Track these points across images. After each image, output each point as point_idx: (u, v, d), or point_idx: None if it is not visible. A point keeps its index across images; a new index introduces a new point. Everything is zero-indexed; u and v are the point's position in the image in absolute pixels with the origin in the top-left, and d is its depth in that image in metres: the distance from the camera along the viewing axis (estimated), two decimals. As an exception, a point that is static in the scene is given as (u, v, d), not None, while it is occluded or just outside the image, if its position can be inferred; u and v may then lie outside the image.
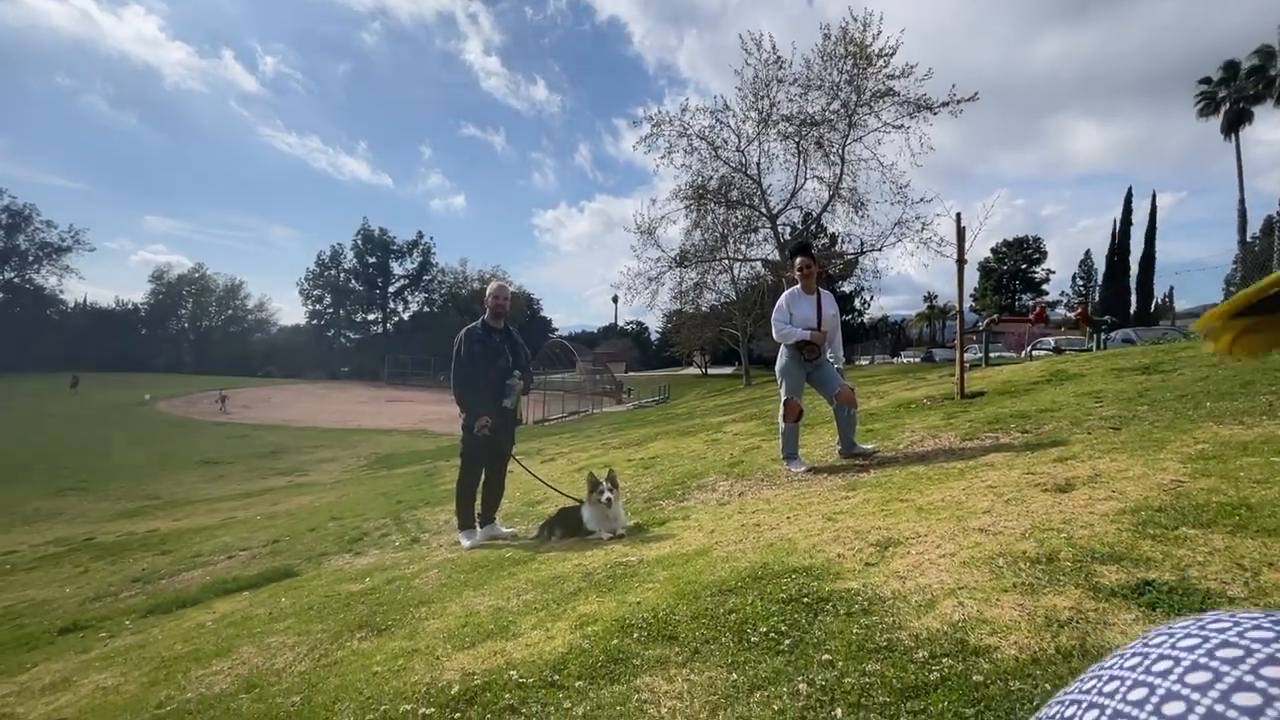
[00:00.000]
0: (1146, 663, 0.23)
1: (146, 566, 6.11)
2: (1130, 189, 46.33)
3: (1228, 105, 33.83)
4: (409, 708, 1.71)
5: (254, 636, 2.87)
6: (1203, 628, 0.23)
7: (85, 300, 67.65)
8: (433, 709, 1.68)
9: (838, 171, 19.83)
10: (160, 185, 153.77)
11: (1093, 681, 0.25)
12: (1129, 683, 0.22)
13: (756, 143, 20.62)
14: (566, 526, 3.94)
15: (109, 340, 62.15)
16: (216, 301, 74.35)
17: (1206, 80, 34.56)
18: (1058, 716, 0.24)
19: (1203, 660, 0.21)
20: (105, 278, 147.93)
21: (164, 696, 2.27)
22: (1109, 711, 0.21)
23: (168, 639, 3.22)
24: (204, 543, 6.94)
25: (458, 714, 1.63)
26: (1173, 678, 0.21)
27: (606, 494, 3.68)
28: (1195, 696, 0.19)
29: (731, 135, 20.73)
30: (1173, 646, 0.23)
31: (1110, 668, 0.25)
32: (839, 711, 1.33)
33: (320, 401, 38.17)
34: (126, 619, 4.05)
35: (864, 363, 40.90)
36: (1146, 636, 0.25)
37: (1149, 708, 0.20)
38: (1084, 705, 0.23)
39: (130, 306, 69.78)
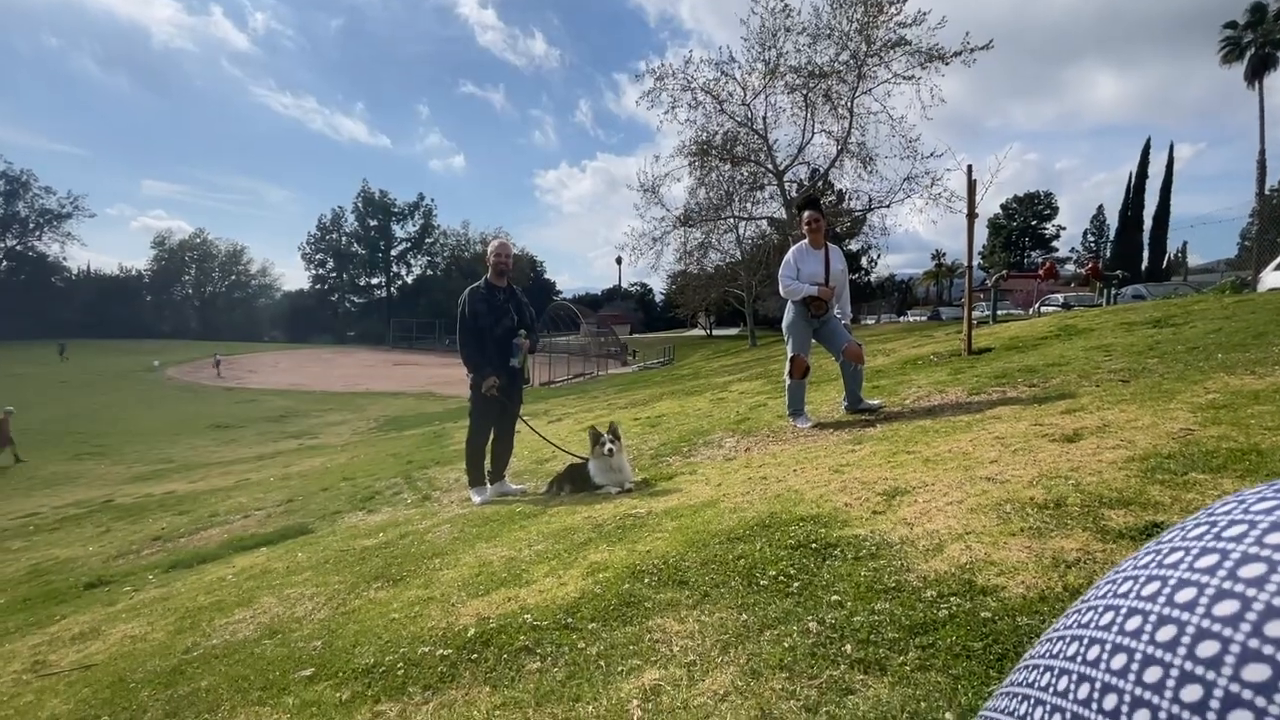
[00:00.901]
0: (1216, 529, 0.21)
1: (166, 526, 6.26)
2: (1148, 140, 44.89)
3: (1253, 50, 32.54)
4: (427, 649, 1.76)
5: (273, 588, 2.95)
6: (1279, 491, 0.21)
7: (89, 268, 67.74)
8: (450, 650, 1.72)
9: (846, 125, 19.35)
10: (156, 149, 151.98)
11: (1149, 556, 0.23)
12: (1195, 552, 0.21)
13: (763, 96, 20.08)
14: (575, 482, 3.99)
15: (115, 307, 62.46)
16: (219, 267, 74.28)
17: (1232, 24, 33.16)
18: (1109, 594, 0.23)
19: None
20: (107, 245, 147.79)
21: (190, 643, 2.35)
22: (1172, 581, 0.20)
23: (190, 591, 3.32)
24: (220, 503, 7.09)
25: (475, 655, 1.68)
26: (1249, 540, 0.20)
27: (609, 445, 3.72)
28: (1279, 557, 0.18)
29: (737, 88, 20.18)
30: (1245, 511, 0.21)
31: (1170, 541, 0.23)
32: (849, 648, 1.35)
33: (327, 366, 38.43)
34: (149, 574, 4.16)
35: (870, 321, 40.66)
36: (1212, 507, 0.23)
37: (1222, 573, 0.19)
38: (1142, 580, 0.22)
39: (134, 273, 69.89)
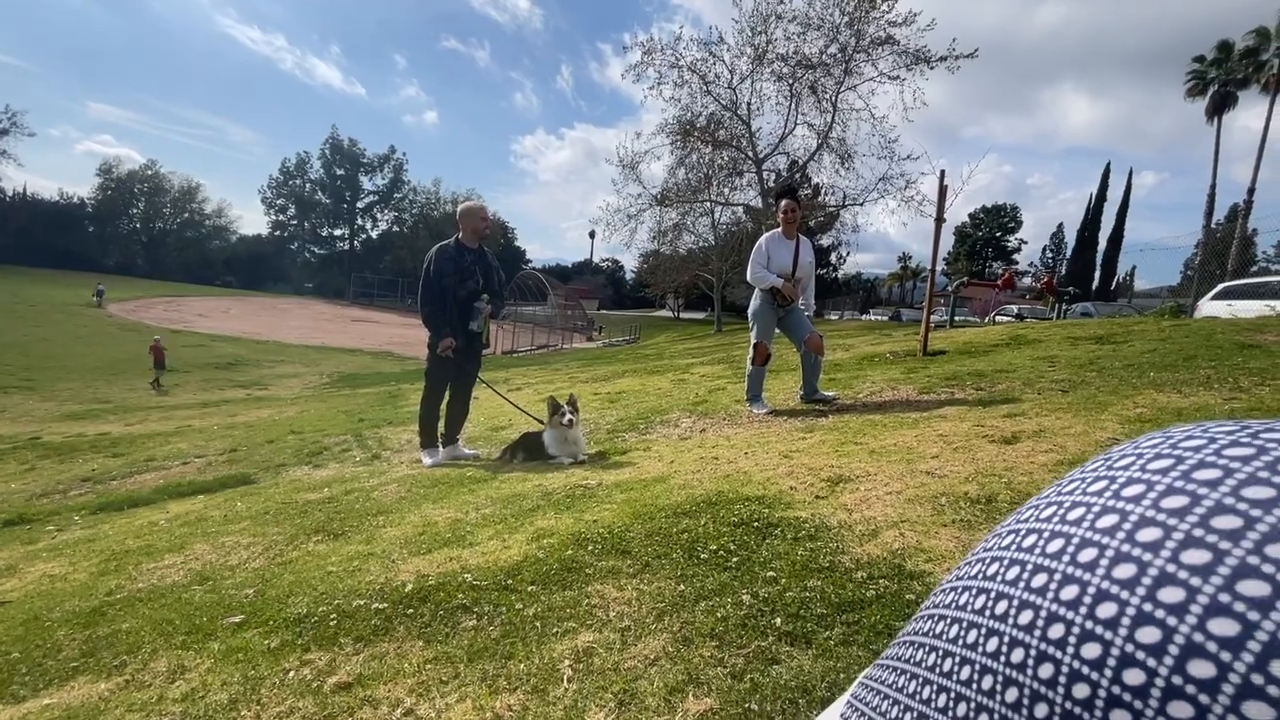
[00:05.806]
0: (1115, 487, 0.21)
1: (97, 467, 6.00)
2: (1109, 164, 46.78)
3: (1215, 87, 33.84)
4: (362, 603, 1.74)
5: (208, 536, 2.87)
6: (1174, 446, 0.21)
7: (25, 190, 63.13)
8: (386, 605, 1.71)
9: (829, 119, 19.44)
10: (105, 69, 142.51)
11: (1051, 509, 0.23)
12: (1096, 509, 0.21)
13: (749, 81, 19.98)
14: (529, 451, 3.98)
15: (52, 235, 58.50)
16: (171, 203, 70.05)
17: (1200, 59, 34.34)
18: (1012, 547, 0.22)
19: (1178, 484, 0.20)
20: (47, 167, 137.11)
21: (114, 585, 2.27)
22: (1075, 540, 0.20)
23: (119, 534, 3.20)
24: (157, 448, 6.82)
25: (410, 610, 1.67)
26: (1146, 503, 0.20)
27: (568, 415, 3.72)
28: (1173, 522, 0.19)
29: (724, 70, 20.03)
30: (1142, 470, 0.21)
31: (1071, 493, 0.23)
32: (778, 620, 1.40)
33: (281, 316, 37.12)
34: (75, 515, 4.00)
35: (833, 317, 41.42)
36: (1109, 457, 0.23)
37: (1120, 535, 0.19)
38: (1045, 535, 0.21)
39: (76, 201, 65.39)
